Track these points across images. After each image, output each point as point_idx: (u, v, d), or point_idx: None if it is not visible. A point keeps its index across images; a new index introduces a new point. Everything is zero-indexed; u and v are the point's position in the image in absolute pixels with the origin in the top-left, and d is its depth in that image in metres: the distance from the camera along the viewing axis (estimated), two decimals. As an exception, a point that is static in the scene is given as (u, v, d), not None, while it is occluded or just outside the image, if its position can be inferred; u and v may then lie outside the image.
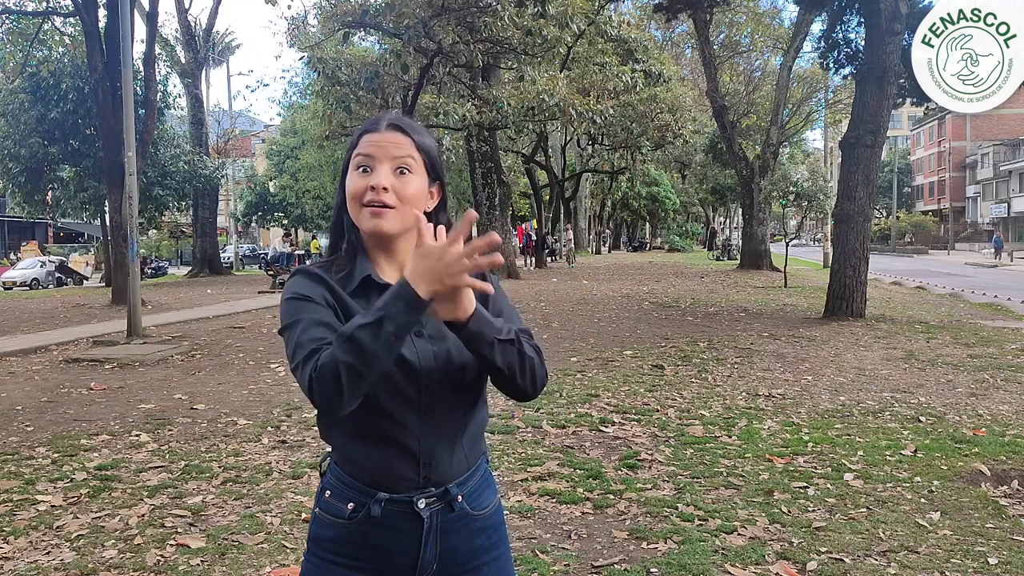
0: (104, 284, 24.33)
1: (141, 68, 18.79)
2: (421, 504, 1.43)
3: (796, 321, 12.21)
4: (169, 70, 29.34)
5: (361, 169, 1.44)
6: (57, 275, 29.80)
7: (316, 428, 5.74)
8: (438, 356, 1.42)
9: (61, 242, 44.69)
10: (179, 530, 3.81)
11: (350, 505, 1.44)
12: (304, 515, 3.90)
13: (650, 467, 4.75)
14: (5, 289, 27.29)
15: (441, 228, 1.33)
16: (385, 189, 1.40)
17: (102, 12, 17.03)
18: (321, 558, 1.48)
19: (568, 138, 34.81)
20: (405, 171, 1.43)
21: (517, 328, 1.47)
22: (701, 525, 3.78)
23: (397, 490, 1.42)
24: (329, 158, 34.54)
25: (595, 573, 3.32)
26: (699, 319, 12.69)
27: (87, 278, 31.75)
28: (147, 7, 17.89)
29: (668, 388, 7.13)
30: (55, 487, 4.51)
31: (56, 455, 5.18)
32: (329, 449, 1.53)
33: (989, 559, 3.38)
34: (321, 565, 1.47)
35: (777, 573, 3.27)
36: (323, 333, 1.34)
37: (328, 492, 1.48)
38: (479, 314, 1.34)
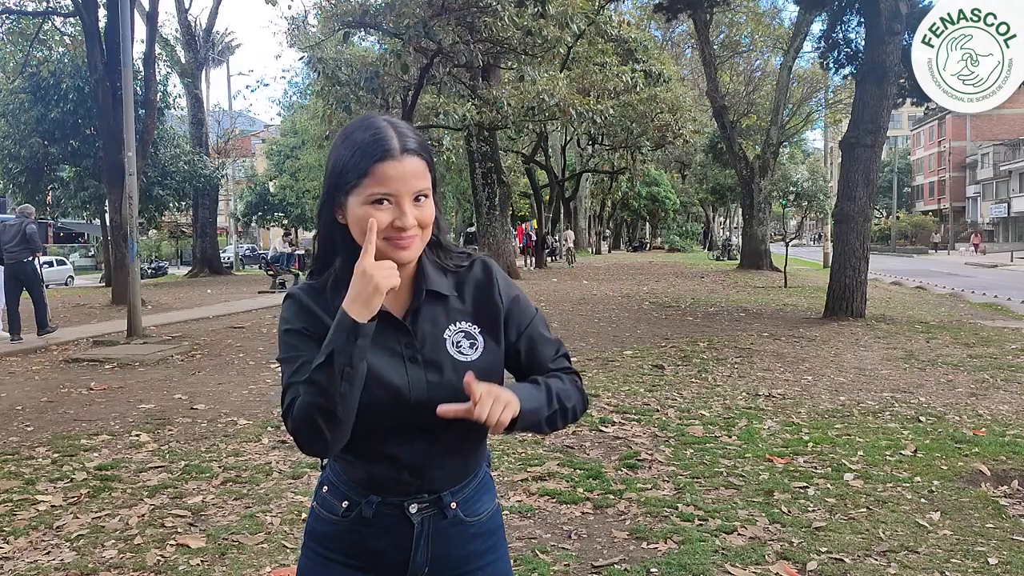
0: (104, 284, 24.30)
1: (141, 68, 18.76)
2: (412, 509, 1.42)
3: (796, 321, 12.21)
4: (169, 70, 29.28)
5: (380, 203, 1.31)
6: None
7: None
8: (431, 385, 1.36)
9: (61, 242, 44.66)
10: (179, 530, 3.81)
11: (344, 503, 1.44)
12: (304, 515, 3.90)
13: (650, 467, 4.75)
14: None
15: None
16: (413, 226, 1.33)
17: (102, 12, 17.01)
18: (316, 552, 1.48)
19: (568, 138, 34.80)
20: (423, 198, 1.34)
21: (560, 355, 1.49)
22: (701, 525, 3.78)
23: (389, 493, 1.41)
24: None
25: (595, 573, 3.32)
26: (699, 319, 12.68)
27: None
28: (147, 7, 17.87)
29: (668, 388, 7.12)
30: (55, 487, 4.51)
31: (56, 455, 5.18)
32: None
33: (989, 559, 3.38)
34: (316, 559, 1.47)
35: (777, 573, 3.27)
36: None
37: (326, 487, 1.48)
38: (524, 412, 1.32)
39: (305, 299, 1.39)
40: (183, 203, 29.06)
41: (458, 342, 1.40)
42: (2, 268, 10.94)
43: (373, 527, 1.42)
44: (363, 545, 1.44)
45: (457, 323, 1.42)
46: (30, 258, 10.90)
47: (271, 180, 47.05)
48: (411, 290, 1.41)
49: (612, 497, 4.20)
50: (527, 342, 1.47)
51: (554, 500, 4.17)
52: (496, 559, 1.52)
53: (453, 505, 1.45)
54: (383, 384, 1.34)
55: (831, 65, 15.26)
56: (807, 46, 28.70)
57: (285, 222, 48.51)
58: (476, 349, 1.41)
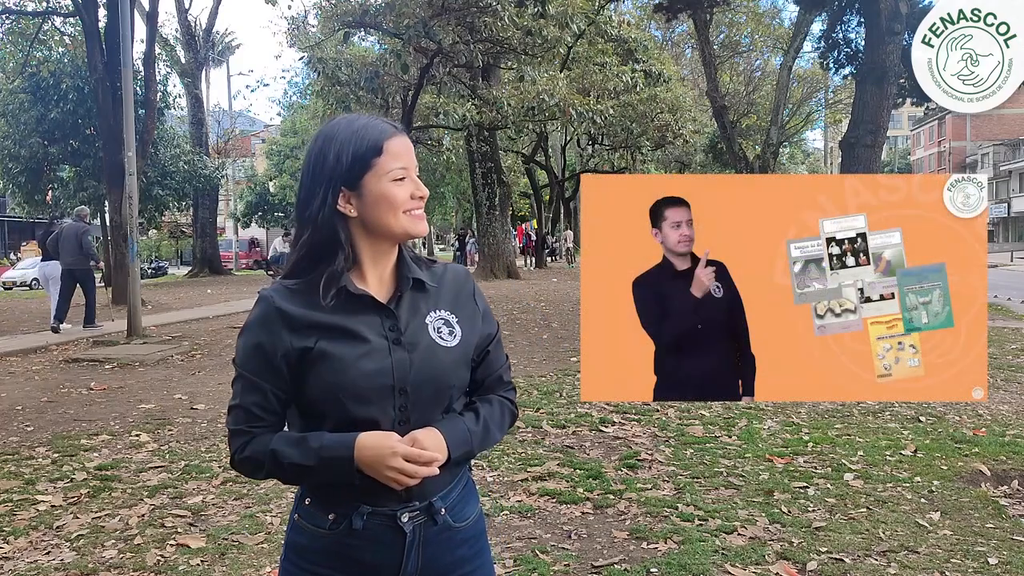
0: (104, 284, 24.32)
1: (141, 68, 18.76)
2: (404, 518, 1.41)
3: (796, 321, 12.20)
4: (169, 70, 29.30)
5: (400, 180, 1.41)
6: None
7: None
8: (415, 364, 1.39)
9: (61, 242, 44.65)
10: (179, 530, 3.81)
11: (331, 515, 1.42)
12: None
13: (650, 467, 4.75)
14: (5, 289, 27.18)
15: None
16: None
17: (102, 12, 17.01)
18: (299, 566, 1.46)
19: (568, 138, 34.79)
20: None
21: (505, 367, 1.56)
22: (701, 525, 3.78)
23: (380, 503, 1.40)
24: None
25: (595, 573, 3.32)
26: (699, 319, 12.68)
27: None
28: (147, 7, 17.87)
29: (668, 388, 7.12)
30: (55, 487, 4.51)
31: (56, 455, 5.19)
32: None
33: (989, 559, 3.38)
34: (299, 574, 1.46)
35: (777, 573, 3.27)
36: (258, 410, 1.41)
37: (308, 499, 1.45)
38: (451, 457, 1.40)
39: (282, 304, 1.39)
40: (183, 203, 29.05)
41: (439, 328, 1.45)
42: (55, 266, 11.82)
43: (363, 539, 1.41)
44: (351, 558, 1.42)
45: (437, 311, 1.47)
46: (88, 267, 11.89)
47: (271, 180, 47.01)
48: (395, 278, 1.47)
49: (612, 497, 4.20)
50: (485, 352, 1.53)
51: (554, 500, 4.17)
52: (482, 564, 1.53)
53: (443, 511, 1.45)
54: (372, 363, 1.37)
55: (831, 65, 15.29)
56: (807, 46, 28.69)
57: (285, 222, 48.53)
58: (455, 337, 1.46)
